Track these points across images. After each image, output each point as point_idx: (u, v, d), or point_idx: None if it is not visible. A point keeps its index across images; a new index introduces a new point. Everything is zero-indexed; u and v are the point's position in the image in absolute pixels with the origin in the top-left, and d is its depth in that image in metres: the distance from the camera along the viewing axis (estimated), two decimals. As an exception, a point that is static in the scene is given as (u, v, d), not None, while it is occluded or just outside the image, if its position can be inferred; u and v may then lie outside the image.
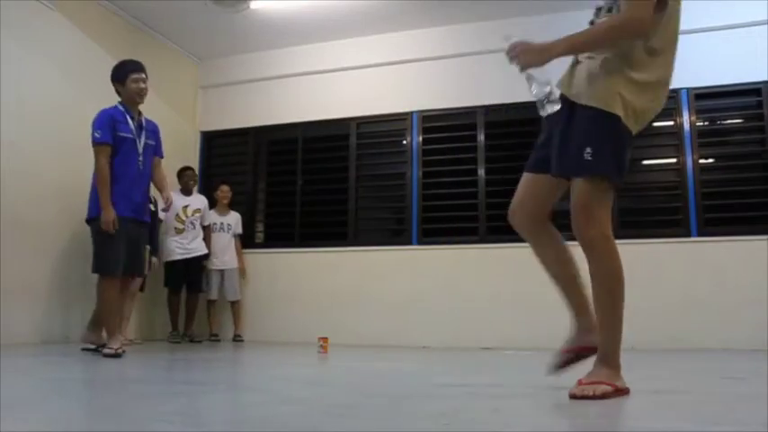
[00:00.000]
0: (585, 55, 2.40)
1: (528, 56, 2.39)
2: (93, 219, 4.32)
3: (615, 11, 2.32)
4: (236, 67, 7.72)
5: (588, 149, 2.25)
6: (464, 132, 6.74)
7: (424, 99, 6.92)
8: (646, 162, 6.42)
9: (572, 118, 2.35)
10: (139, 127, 4.47)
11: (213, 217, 6.86)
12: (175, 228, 6.40)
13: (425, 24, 6.85)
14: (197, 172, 7.16)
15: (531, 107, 5.71)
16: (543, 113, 2.36)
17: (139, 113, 4.54)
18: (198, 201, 6.69)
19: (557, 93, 2.32)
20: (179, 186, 6.52)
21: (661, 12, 2.27)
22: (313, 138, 7.46)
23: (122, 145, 4.35)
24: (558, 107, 2.31)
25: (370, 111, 7.10)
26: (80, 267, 5.58)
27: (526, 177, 2.60)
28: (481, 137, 6.63)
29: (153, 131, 4.61)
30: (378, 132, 7.15)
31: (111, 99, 4.47)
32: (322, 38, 7.22)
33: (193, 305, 6.61)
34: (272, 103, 7.52)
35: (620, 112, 2.24)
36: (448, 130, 6.83)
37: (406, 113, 6.96)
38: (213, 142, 7.83)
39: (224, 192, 6.98)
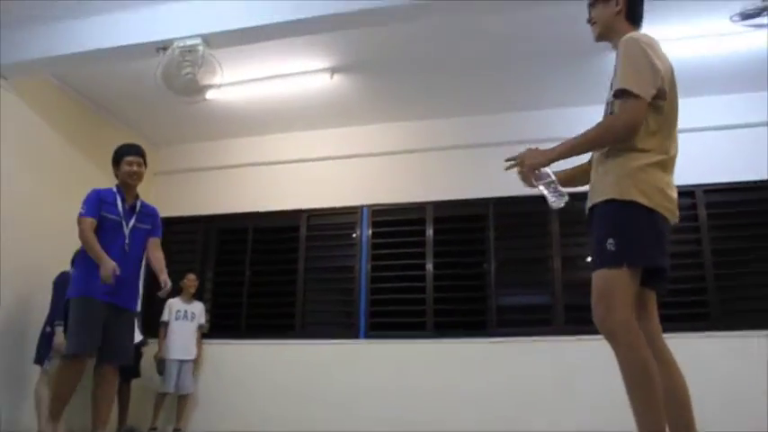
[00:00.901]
0: (599, 160, 2.53)
1: (533, 158, 2.58)
2: (70, 299, 4.22)
3: (610, 108, 2.52)
4: (190, 155, 7.77)
5: (610, 240, 2.36)
6: (413, 227, 6.83)
7: (375, 193, 7.02)
8: (589, 259, 6.56)
9: (593, 220, 2.49)
10: (131, 209, 4.43)
11: (177, 305, 6.74)
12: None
13: (377, 120, 7.03)
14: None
15: (478, 203, 5.95)
16: (557, 206, 2.58)
17: (136, 196, 4.52)
18: None
19: (561, 188, 2.54)
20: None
21: (660, 101, 2.44)
22: (263, 228, 7.46)
23: (106, 226, 4.29)
24: (566, 199, 2.53)
25: (321, 203, 7.17)
26: (12, 353, 5.46)
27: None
28: (430, 231, 6.72)
29: (150, 215, 4.59)
30: (328, 225, 7.19)
31: (61, 179, 4.41)
32: (276, 130, 7.35)
33: (126, 395, 6.30)
34: (225, 192, 7.54)
35: (636, 197, 2.36)
36: (397, 224, 6.92)
37: (357, 207, 7.04)
38: (164, 229, 7.72)
39: (191, 280, 6.88)
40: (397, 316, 6.55)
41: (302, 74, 6.07)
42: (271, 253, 7.39)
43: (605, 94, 2.63)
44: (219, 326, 7.24)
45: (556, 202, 2.55)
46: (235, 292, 7.30)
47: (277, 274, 7.26)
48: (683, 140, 6.20)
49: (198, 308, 6.88)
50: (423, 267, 6.63)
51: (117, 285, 4.17)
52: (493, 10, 4.68)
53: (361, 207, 7.03)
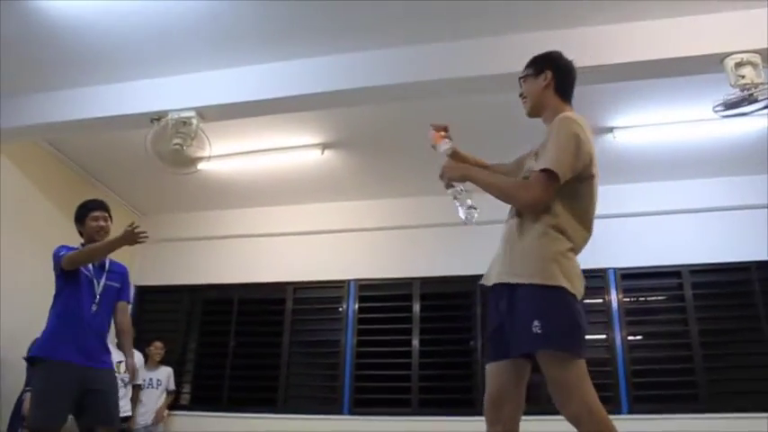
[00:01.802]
0: (515, 235, 2.51)
1: (451, 170, 2.68)
2: (37, 358, 3.92)
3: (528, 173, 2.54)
4: (178, 224, 7.76)
5: (536, 323, 2.31)
6: (400, 303, 6.81)
7: (362, 268, 7.02)
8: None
9: (515, 299, 2.42)
10: (101, 267, 4.23)
11: (143, 373, 6.58)
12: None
13: (367, 196, 7.09)
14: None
15: (465, 281, 5.92)
16: (467, 222, 2.61)
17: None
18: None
19: (473, 207, 2.61)
20: (114, 341, 6.28)
21: (578, 184, 2.45)
22: (249, 300, 7.41)
23: (76, 283, 4.05)
24: (475, 217, 2.58)
25: (308, 276, 7.15)
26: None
27: (490, 369, 2.58)
28: (416, 307, 6.70)
29: (119, 273, 4.34)
30: (314, 298, 7.16)
31: (48, 245, 4.34)
32: (265, 202, 7.39)
33: None
34: (210, 263, 7.52)
35: (561, 282, 2.35)
36: (384, 299, 6.90)
37: (344, 281, 7.03)
38: (146, 297, 7.69)
39: (157, 348, 6.77)
40: (382, 392, 6.46)
41: (294, 148, 6.15)
42: (256, 324, 7.32)
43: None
44: (201, 398, 7.10)
45: (464, 216, 2.61)
46: (218, 364, 7.18)
47: (261, 347, 7.17)
48: (670, 222, 6.39)
49: (164, 374, 6.75)
50: (409, 343, 6.58)
51: (90, 346, 3.98)
52: (481, 90, 4.78)
53: (348, 281, 7.02)
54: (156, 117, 5.02)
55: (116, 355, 6.06)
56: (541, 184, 2.39)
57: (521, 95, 2.81)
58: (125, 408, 6.20)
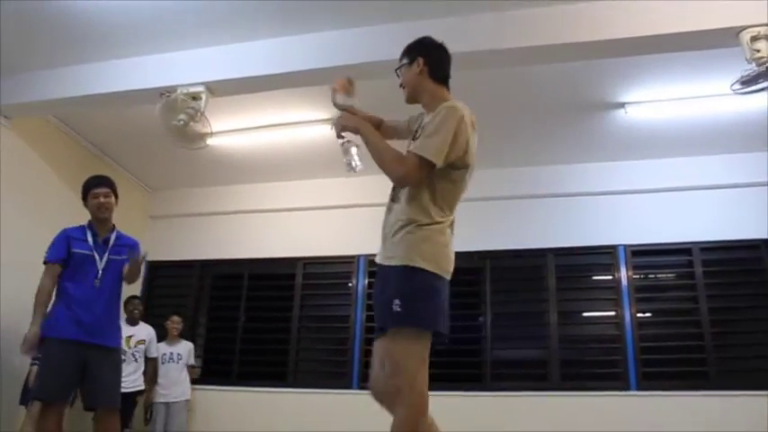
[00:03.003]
0: (391, 219, 2.72)
1: (346, 120, 2.90)
2: (43, 338, 4.00)
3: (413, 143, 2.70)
4: (187, 200, 7.79)
5: (397, 301, 2.45)
6: (409, 278, 6.79)
7: (372, 243, 6.94)
8: (585, 314, 6.57)
9: (380, 279, 2.66)
10: (104, 243, 4.24)
11: (163, 348, 6.68)
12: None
13: (376, 172, 7.01)
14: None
15: (473, 256, 5.92)
16: (349, 170, 2.93)
17: (111, 229, 4.33)
18: (143, 331, 6.49)
19: (357, 159, 2.91)
20: (124, 316, 6.34)
21: (452, 171, 2.63)
22: (259, 275, 7.44)
23: (75, 261, 4.12)
24: (357, 167, 2.89)
25: (318, 252, 7.17)
26: None
27: (375, 345, 2.71)
28: (426, 282, 6.69)
29: (129, 246, 4.31)
30: (324, 273, 7.17)
31: (58, 220, 4.35)
32: (274, 178, 7.38)
33: None
34: (220, 238, 7.55)
35: (423, 264, 2.49)
36: (393, 274, 6.89)
37: (353, 256, 7.03)
38: (158, 272, 7.74)
39: (174, 322, 6.82)
40: (391, 367, 6.49)
41: (302, 123, 6.12)
42: (265, 300, 7.35)
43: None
44: (211, 371, 7.16)
45: (350, 166, 2.90)
46: (228, 339, 7.24)
47: (271, 321, 7.21)
48: (681, 199, 6.34)
49: (184, 348, 6.79)
50: (417, 318, 6.57)
51: (91, 323, 4.02)
52: (491, 65, 4.74)
53: (358, 257, 7.02)
54: (166, 92, 5.01)
55: (126, 330, 6.16)
56: (414, 165, 2.54)
57: (400, 85, 2.92)
58: (137, 382, 6.27)
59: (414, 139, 2.76)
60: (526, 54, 4.45)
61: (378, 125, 3.04)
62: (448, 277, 2.62)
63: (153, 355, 6.53)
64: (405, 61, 2.89)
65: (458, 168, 2.65)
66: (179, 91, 4.95)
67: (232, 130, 6.24)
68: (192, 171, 7.34)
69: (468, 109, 2.70)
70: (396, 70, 2.94)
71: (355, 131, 2.84)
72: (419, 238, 2.54)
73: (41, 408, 3.98)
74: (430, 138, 2.56)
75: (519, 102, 5.64)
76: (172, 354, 6.69)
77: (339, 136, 2.91)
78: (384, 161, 2.66)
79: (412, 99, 2.90)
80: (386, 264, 2.61)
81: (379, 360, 2.63)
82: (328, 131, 6.09)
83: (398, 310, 2.44)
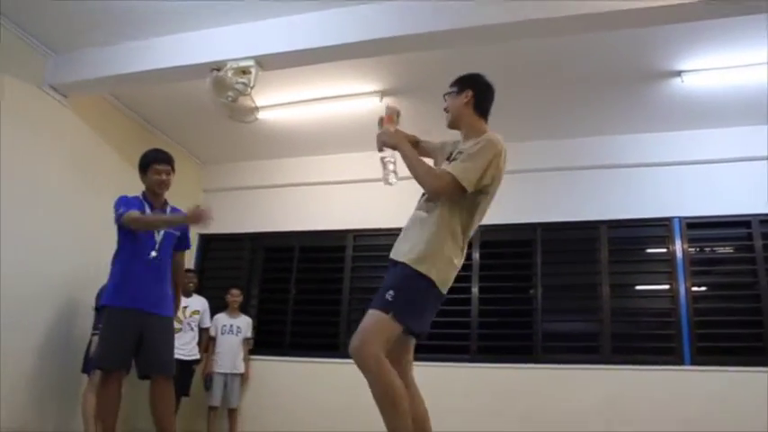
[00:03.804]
0: (417, 224, 3.02)
1: (387, 136, 3.23)
2: (104, 307, 4.10)
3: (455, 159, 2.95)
4: (238, 173, 7.89)
5: (391, 292, 2.81)
6: (459, 249, 6.78)
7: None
8: (639, 288, 6.47)
9: (391, 271, 2.97)
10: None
11: (223, 319, 6.84)
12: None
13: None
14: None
15: (525, 228, 5.89)
16: (385, 183, 3.25)
17: (164, 203, 4.39)
18: (197, 302, 6.67)
19: (395, 173, 3.21)
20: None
21: (479, 195, 2.94)
22: (309, 247, 7.52)
23: (135, 234, 4.15)
24: (394, 182, 3.21)
25: (368, 224, 7.19)
26: (62, 361, 5.63)
27: None
28: (476, 255, 6.67)
29: (182, 226, 4.39)
30: (374, 246, 7.19)
31: (114, 194, 4.42)
32: (324, 150, 7.40)
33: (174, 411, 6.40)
34: (272, 211, 7.63)
35: (432, 272, 2.83)
36: (443, 246, 6.87)
37: (401, 228, 7.02)
38: (210, 245, 7.88)
39: (234, 295, 6.97)
40: (441, 339, 6.48)
41: (352, 96, 6.12)
42: (316, 272, 7.44)
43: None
44: (264, 342, 7.28)
45: (385, 179, 3.21)
46: (279, 310, 7.35)
47: (322, 293, 7.29)
48: (740, 169, 6.17)
49: (244, 322, 6.94)
50: (468, 291, 6.58)
51: (148, 292, 4.11)
52: (547, 34, 4.65)
53: (407, 228, 7.02)
54: (216, 67, 5.05)
55: (183, 301, 6.30)
56: (448, 183, 2.86)
57: (444, 109, 3.24)
58: (193, 351, 6.44)
59: (449, 159, 3.04)
60: (581, 22, 4.34)
61: (415, 144, 3.38)
62: (445, 292, 2.96)
63: (206, 325, 6.70)
64: (453, 89, 3.21)
65: (483, 194, 2.96)
66: (229, 65, 4.99)
67: (281, 103, 6.28)
68: (242, 144, 7.42)
69: (503, 142, 2.98)
70: (444, 95, 3.25)
71: (394, 148, 3.17)
72: (438, 252, 2.87)
73: (102, 376, 4.10)
74: (466, 163, 2.87)
75: (573, 72, 5.53)
76: (231, 326, 6.83)
77: (380, 150, 3.22)
78: (418, 174, 2.99)
79: (453, 125, 3.22)
80: (400, 260, 2.92)
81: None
82: (377, 103, 6.13)
83: (389, 299, 2.80)
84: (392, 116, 3.39)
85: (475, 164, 2.85)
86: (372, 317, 2.84)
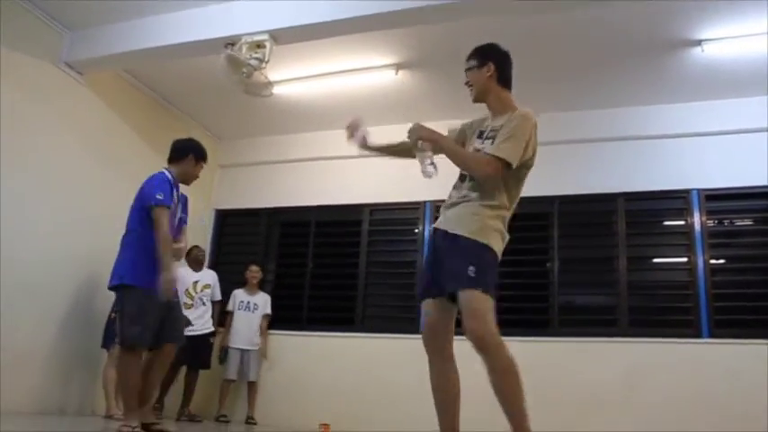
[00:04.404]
0: (463, 197, 3.06)
1: (424, 131, 3.14)
2: (127, 286, 4.14)
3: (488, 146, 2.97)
4: (254, 149, 7.89)
5: (471, 268, 2.82)
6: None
7: (438, 189, 6.89)
8: (656, 260, 6.43)
9: (455, 247, 2.95)
10: (177, 200, 4.42)
11: (240, 296, 6.92)
12: (184, 303, 6.32)
13: (441, 117, 6.92)
14: (209, 248, 7.40)
15: (542, 201, 5.86)
16: (425, 176, 3.07)
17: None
18: (208, 276, 6.73)
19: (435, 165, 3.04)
20: (184, 263, 6.52)
21: (523, 170, 3.01)
22: (325, 222, 7.53)
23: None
24: (435, 174, 3.02)
25: (384, 198, 7.19)
26: (82, 337, 5.68)
27: (426, 305, 3.13)
28: (493, 228, 6.64)
29: (184, 204, 4.54)
30: (390, 220, 7.20)
31: (129, 169, 4.42)
32: (339, 125, 7.25)
33: (192, 382, 6.51)
34: (287, 186, 7.64)
35: (492, 242, 2.92)
36: (460, 219, 6.86)
37: (420, 202, 7.02)
38: (226, 220, 7.92)
39: (253, 272, 7.02)
40: (458, 313, 6.51)
41: (367, 70, 6.09)
42: (332, 246, 7.46)
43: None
44: (280, 317, 7.32)
45: (426, 173, 3.04)
46: (296, 285, 7.39)
47: (338, 268, 7.32)
48: (759, 140, 6.08)
49: (261, 299, 6.98)
50: (486, 264, 6.55)
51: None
52: (557, 8, 4.60)
53: (424, 202, 7.02)
54: (230, 42, 5.04)
55: (191, 276, 6.38)
56: (498, 167, 2.88)
57: (467, 83, 3.18)
58: (206, 324, 6.52)
59: (481, 137, 3.07)
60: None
61: None
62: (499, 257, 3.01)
63: (217, 298, 6.75)
64: (473, 63, 3.14)
65: (526, 167, 3.01)
66: (243, 40, 4.98)
67: (296, 78, 6.26)
68: (258, 120, 7.41)
69: (535, 116, 3.02)
70: (465, 71, 3.17)
71: (430, 141, 3.09)
72: (491, 222, 2.94)
73: (123, 352, 4.17)
74: (507, 143, 2.89)
75: (592, 43, 5.46)
76: (249, 303, 6.89)
77: (415, 145, 3.13)
78: (466, 163, 3.05)
79: (479, 99, 3.16)
80: (464, 234, 2.93)
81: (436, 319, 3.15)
82: (392, 76, 6.09)
83: (473, 276, 2.81)
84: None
85: (517, 142, 2.90)
86: (473, 297, 2.86)
